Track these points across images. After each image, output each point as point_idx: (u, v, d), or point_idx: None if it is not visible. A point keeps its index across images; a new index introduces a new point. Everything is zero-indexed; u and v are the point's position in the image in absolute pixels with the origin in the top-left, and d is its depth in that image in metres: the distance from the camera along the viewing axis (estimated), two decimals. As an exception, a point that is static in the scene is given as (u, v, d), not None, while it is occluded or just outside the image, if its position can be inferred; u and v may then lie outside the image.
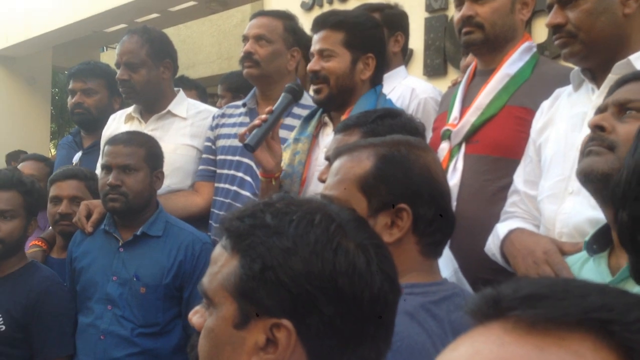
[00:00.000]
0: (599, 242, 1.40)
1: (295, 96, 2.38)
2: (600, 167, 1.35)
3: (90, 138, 3.47)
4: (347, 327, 0.90)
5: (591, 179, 1.37)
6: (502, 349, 0.50)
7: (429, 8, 4.26)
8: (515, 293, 0.53)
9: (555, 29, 1.81)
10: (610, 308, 0.49)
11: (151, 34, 3.03)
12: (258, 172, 2.40)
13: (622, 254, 1.29)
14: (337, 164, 1.40)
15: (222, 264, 0.96)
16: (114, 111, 3.41)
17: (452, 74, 4.09)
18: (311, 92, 2.40)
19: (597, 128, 1.39)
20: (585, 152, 1.41)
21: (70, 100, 3.47)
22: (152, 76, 2.97)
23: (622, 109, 1.39)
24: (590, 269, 1.44)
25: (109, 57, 11.59)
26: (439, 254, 1.38)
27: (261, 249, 0.92)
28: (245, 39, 2.74)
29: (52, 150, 10.39)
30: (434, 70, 4.21)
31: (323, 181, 1.92)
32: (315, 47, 2.35)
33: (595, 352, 0.48)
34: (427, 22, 4.26)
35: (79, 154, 3.43)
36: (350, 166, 1.36)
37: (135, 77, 2.94)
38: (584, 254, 1.49)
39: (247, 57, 2.70)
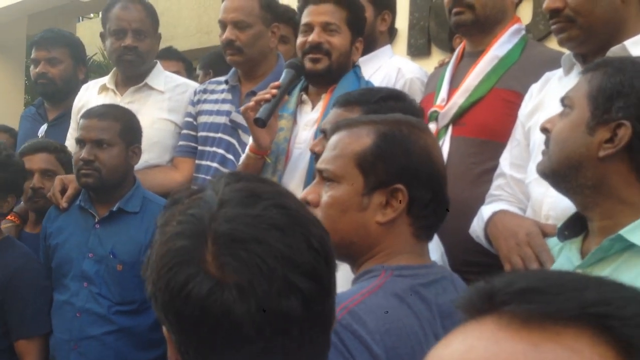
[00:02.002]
0: (571, 228, 1.42)
1: (297, 71, 2.33)
2: (539, 168, 1.43)
3: (55, 110, 3.36)
4: (196, 356, 0.83)
5: (543, 178, 1.45)
6: (496, 345, 0.49)
7: (414, -13, 4.22)
8: (509, 287, 0.50)
9: (552, 13, 1.79)
10: (607, 302, 0.48)
11: (149, 4, 2.99)
12: (249, 148, 2.35)
13: (595, 240, 1.32)
14: (335, 138, 1.36)
15: None
16: (78, 81, 3.33)
17: (436, 54, 4.06)
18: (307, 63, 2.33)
19: (544, 131, 1.44)
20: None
21: (33, 70, 3.35)
22: (153, 47, 2.95)
23: (562, 104, 1.41)
24: (565, 253, 1.46)
25: (85, 28, 11.36)
26: (430, 237, 1.36)
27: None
28: (222, 24, 2.65)
29: (26, 122, 10.18)
30: (418, 50, 4.16)
31: (314, 152, 1.90)
32: (317, 18, 2.30)
33: (593, 348, 0.46)
34: (412, 1, 4.21)
35: (44, 127, 3.32)
36: (349, 142, 1.33)
37: (141, 46, 2.89)
38: None
39: (229, 44, 2.62)
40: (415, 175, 1.29)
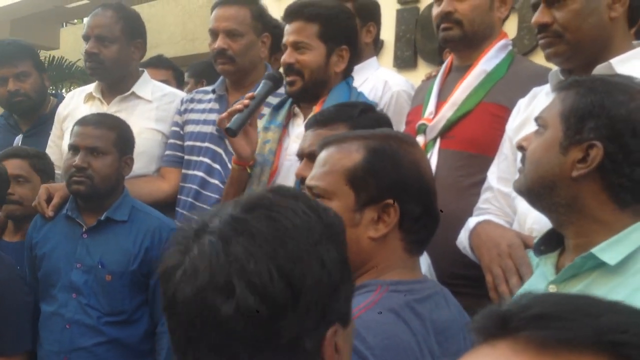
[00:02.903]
0: (547, 244, 1.43)
1: (275, 83, 2.35)
2: (516, 185, 1.45)
3: (26, 120, 3.30)
4: None
5: (520, 195, 1.46)
6: None
7: (400, 0, 4.25)
8: (524, 312, 0.51)
9: (540, 28, 1.81)
10: (624, 329, 0.48)
11: (126, 11, 2.94)
12: (232, 159, 2.36)
13: (569, 256, 1.34)
14: (324, 154, 1.37)
15: None
16: (47, 90, 3.30)
17: (422, 67, 4.10)
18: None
19: (520, 148, 1.46)
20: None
21: (1, 88, 3.19)
22: (123, 54, 2.87)
23: (536, 124, 1.42)
24: (540, 267, 1.47)
25: (69, 33, 11.29)
26: (421, 251, 1.38)
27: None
28: (214, 33, 2.66)
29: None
30: (404, 63, 4.20)
31: (304, 177, 1.91)
32: (288, 38, 2.32)
33: None
34: (398, 13, 4.25)
35: (19, 137, 3.26)
36: (339, 157, 1.33)
37: (105, 53, 2.83)
38: None
39: (221, 53, 2.62)
40: (405, 189, 1.30)
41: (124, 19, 2.88)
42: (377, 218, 1.29)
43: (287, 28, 2.34)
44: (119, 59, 2.86)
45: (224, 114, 2.27)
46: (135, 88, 2.91)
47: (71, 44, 10.30)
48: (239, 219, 0.87)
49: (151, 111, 2.89)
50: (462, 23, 2.17)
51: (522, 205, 1.76)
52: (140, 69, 3.03)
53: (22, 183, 2.65)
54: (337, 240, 0.91)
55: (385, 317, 1.17)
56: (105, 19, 2.85)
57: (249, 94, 2.27)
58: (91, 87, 3.01)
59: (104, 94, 2.95)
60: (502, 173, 1.96)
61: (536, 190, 1.37)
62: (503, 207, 1.93)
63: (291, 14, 2.33)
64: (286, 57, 2.30)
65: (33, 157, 2.70)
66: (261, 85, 2.32)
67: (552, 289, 1.33)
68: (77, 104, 2.99)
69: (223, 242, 0.85)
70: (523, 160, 1.43)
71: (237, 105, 2.24)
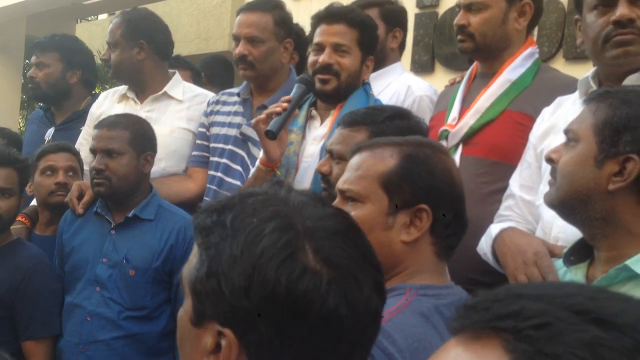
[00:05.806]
0: (577, 254, 1.44)
1: (308, 86, 2.38)
2: (546, 198, 1.44)
3: (61, 114, 3.41)
4: (286, 351, 0.82)
5: (551, 209, 1.46)
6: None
7: (419, 4, 4.28)
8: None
9: (625, 23, 1.75)
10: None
11: (131, 14, 3.01)
12: (258, 161, 2.39)
13: (601, 267, 1.35)
14: (357, 159, 1.40)
15: (193, 255, 0.90)
16: (68, 85, 3.39)
17: (440, 71, 4.13)
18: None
19: (549, 161, 1.46)
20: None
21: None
22: (125, 56, 2.94)
23: (566, 137, 1.42)
24: (570, 278, 1.47)
25: (83, 30, 11.36)
26: (449, 257, 1.40)
27: (212, 252, 0.85)
28: (236, 38, 2.70)
29: (21, 121, 10.17)
30: (421, 67, 4.23)
31: (322, 172, 1.95)
32: (329, 39, 2.34)
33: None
34: (417, 17, 4.27)
35: (51, 130, 3.35)
36: (373, 162, 1.36)
37: (112, 57, 2.96)
38: None
39: (242, 59, 2.66)
40: (438, 195, 1.33)
41: (126, 22, 2.96)
42: (410, 222, 1.31)
43: (325, 29, 2.35)
44: (121, 61, 2.95)
45: (262, 116, 2.29)
46: (167, 88, 2.97)
47: (85, 40, 10.33)
48: None
49: (182, 111, 2.94)
50: (474, 36, 2.20)
51: (547, 213, 1.77)
52: (171, 70, 3.08)
53: (72, 176, 2.73)
54: None
55: (415, 320, 1.19)
56: (112, 26, 2.97)
57: (286, 97, 2.30)
58: (124, 88, 3.07)
59: (137, 94, 3.01)
60: (524, 181, 1.97)
61: (570, 203, 1.37)
62: (525, 214, 1.94)
63: (334, 16, 2.35)
64: (326, 57, 2.32)
65: (78, 155, 2.80)
66: (295, 88, 2.35)
67: None
68: (110, 104, 3.05)
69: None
70: (553, 173, 1.43)
71: (276, 109, 2.27)
